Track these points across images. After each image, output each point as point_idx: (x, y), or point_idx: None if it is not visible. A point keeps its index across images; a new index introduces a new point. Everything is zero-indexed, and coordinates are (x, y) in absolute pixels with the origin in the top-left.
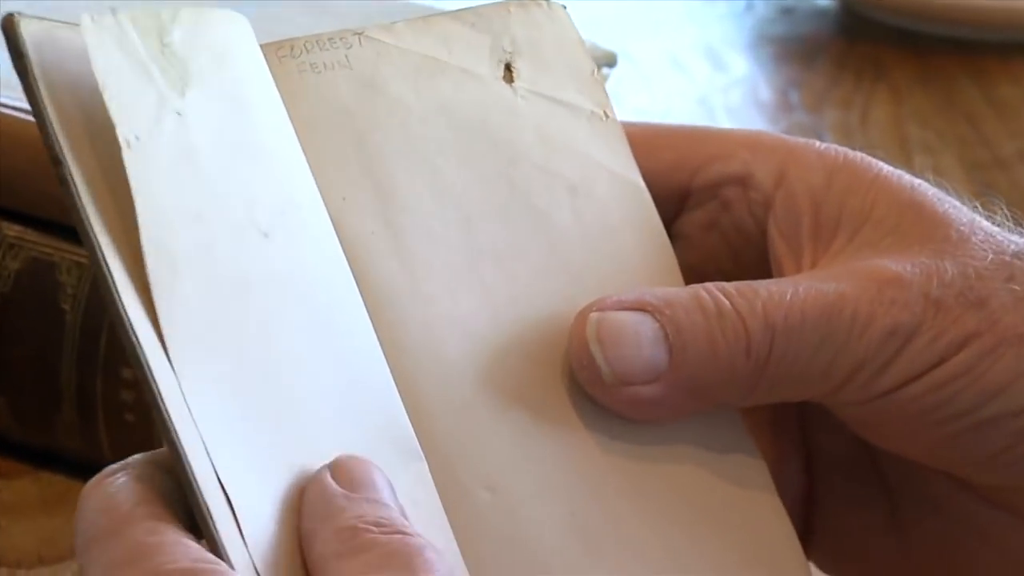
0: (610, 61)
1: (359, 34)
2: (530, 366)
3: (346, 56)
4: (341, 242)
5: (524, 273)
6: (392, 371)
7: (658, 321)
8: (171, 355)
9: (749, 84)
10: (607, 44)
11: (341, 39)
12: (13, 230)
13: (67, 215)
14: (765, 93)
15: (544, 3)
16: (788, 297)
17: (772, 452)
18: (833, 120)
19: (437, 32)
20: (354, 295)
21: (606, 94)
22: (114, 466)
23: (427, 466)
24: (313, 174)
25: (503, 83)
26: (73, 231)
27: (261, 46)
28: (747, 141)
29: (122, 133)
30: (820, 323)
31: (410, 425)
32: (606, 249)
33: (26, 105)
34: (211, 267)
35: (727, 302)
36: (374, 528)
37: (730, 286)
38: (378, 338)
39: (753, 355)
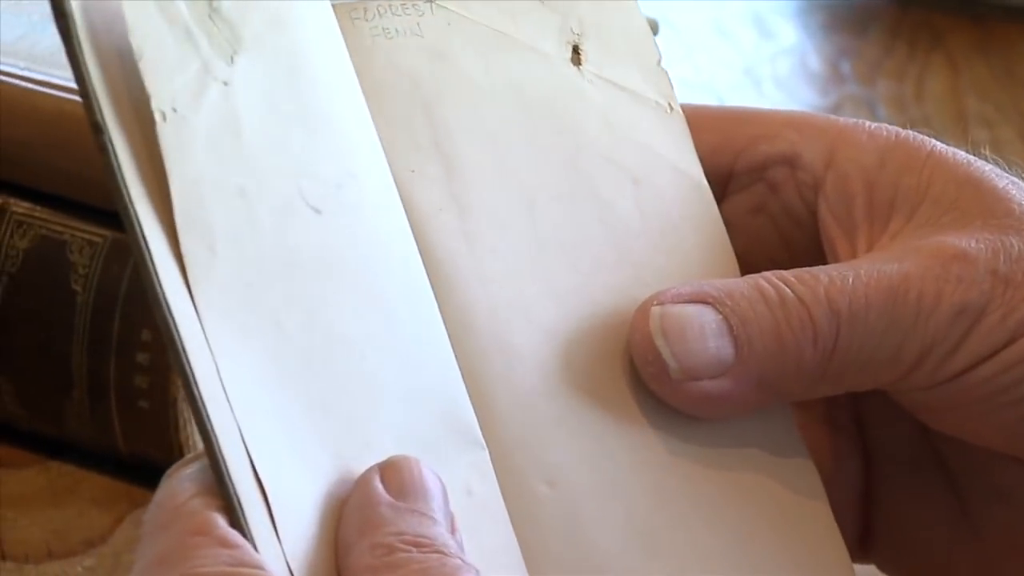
0: (652, 29)
1: (431, 1)
2: (592, 360)
3: (418, 23)
4: (408, 217)
5: (586, 263)
6: (456, 355)
7: (720, 312)
8: (208, 336)
9: (798, 53)
10: (648, 10)
11: (413, 5)
12: (21, 207)
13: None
14: (815, 63)
15: None
16: (851, 282)
17: (829, 450)
18: (886, 92)
19: (507, 7)
20: (419, 273)
21: (671, 86)
22: (195, 453)
23: (488, 455)
24: (385, 144)
25: (571, 65)
26: (84, 207)
27: (333, 7)
28: (793, 121)
29: (157, 104)
30: (886, 307)
31: (473, 412)
32: (666, 244)
33: (33, 74)
34: (254, 245)
35: (789, 291)
36: (412, 547)
37: (789, 274)
38: (443, 320)
39: (820, 344)
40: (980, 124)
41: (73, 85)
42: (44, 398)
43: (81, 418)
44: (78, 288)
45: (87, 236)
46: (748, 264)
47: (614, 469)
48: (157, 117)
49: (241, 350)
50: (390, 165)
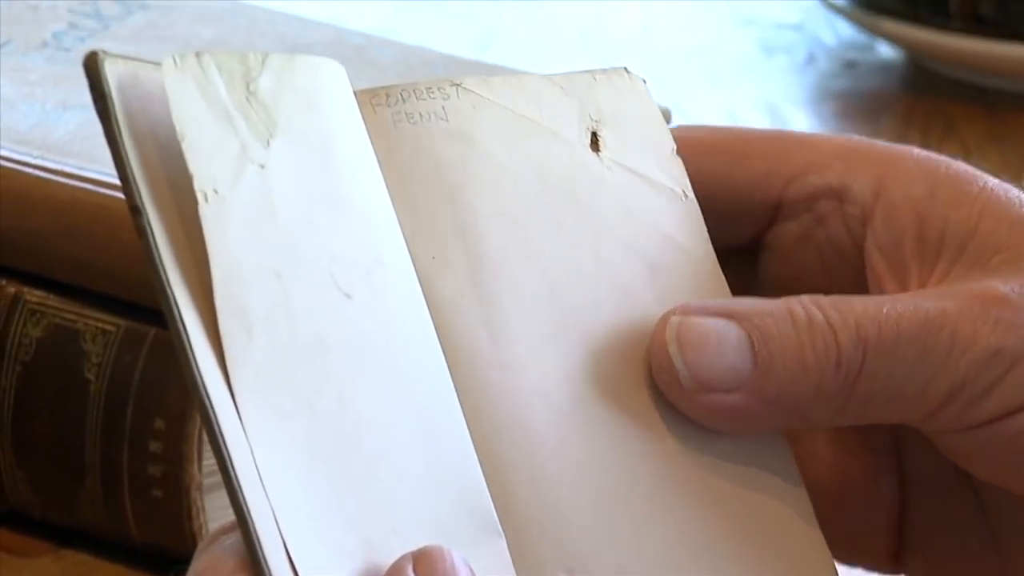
0: (664, 117)
1: (457, 85)
2: (610, 447)
3: (443, 107)
4: (428, 303)
5: (607, 350)
6: (474, 442)
7: (744, 329)
8: (243, 418)
9: None
10: (661, 99)
11: (439, 89)
12: (35, 295)
13: (107, 280)
14: None
15: (626, 75)
16: (884, 311)
17: (866, 469)
18: None
19: (530, 91)
20: (439, 362)
21: (685, 173)
22: (227, 523)
23: (506, 543)
24: (403, 230)
25: (590, 151)
26: (97, 296)
27: (355, 93)
28: (841, 150)
29: (199, 185)
30: (916, 339)
31: (491, 500)
32: None
33: (50, 164)
34: (288, 328)
35: (819, 313)
36: None
37: (824, 299)
38: (461, 407)
39: (843, 369)
40: None
41: (86, 174)
42: (57, 486)
43: (95, 506)
44: (91, 377)
45: (100, 325)
46: (791, 293)
47: (634, 556)
48: (200, 198)
49: (275, 432)
50: (412, 251)
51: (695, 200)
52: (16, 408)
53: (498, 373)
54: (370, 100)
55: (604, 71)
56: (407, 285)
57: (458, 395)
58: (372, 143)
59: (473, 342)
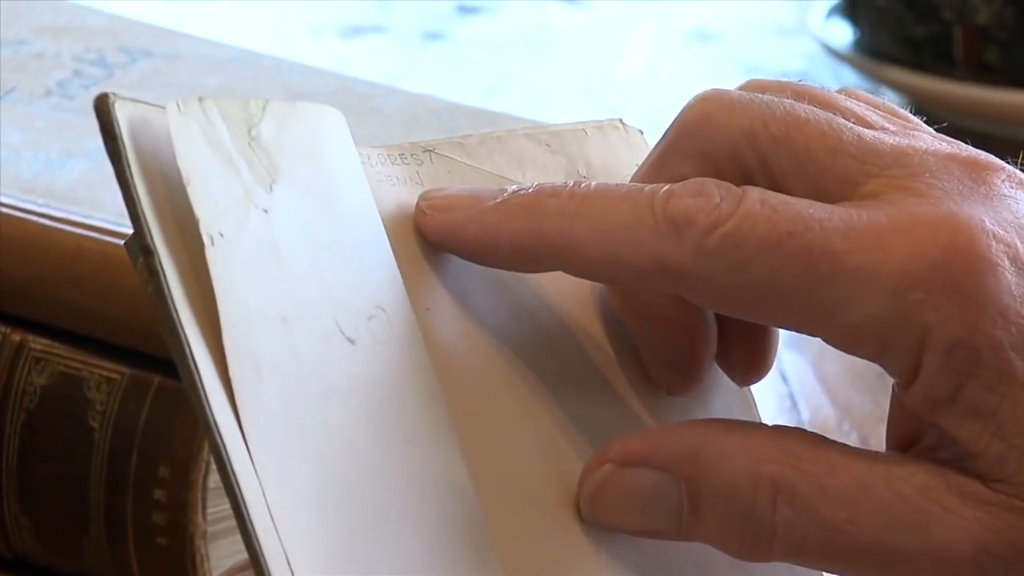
0: None
1: (430, 151)
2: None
3: (417, 172)
4: (428, 351)
5: (602, 393)
6: (477, 489)
7: (681, 491)
8: (254, 460)
9: None
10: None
11: (412, 155)
12: (39, 343)
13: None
14: None
15: (621, 127)
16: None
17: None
18: None
19: (511, 151)
20: (441, 408)
21: None
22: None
23: None
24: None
25: None
26: (102, 344)
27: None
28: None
29: (206, 228)
30: None
31: (493, 552)
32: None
33: (55, 212)
34: (296, 373)
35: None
36: None
37: (786, 477)
38: (461, 456)
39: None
40: None
41: (91, 222)
42: (62, 534)
43: (99, 554)
44: (96, 425)
45: (105, 373)
46: None
47: None
48: (206, 241)
49: (286, 476)
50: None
51: None
52: (21, 456)
53: (496, 425)
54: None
55: (598, 124)
56: (408, 332)
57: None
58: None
59: (468, 390)
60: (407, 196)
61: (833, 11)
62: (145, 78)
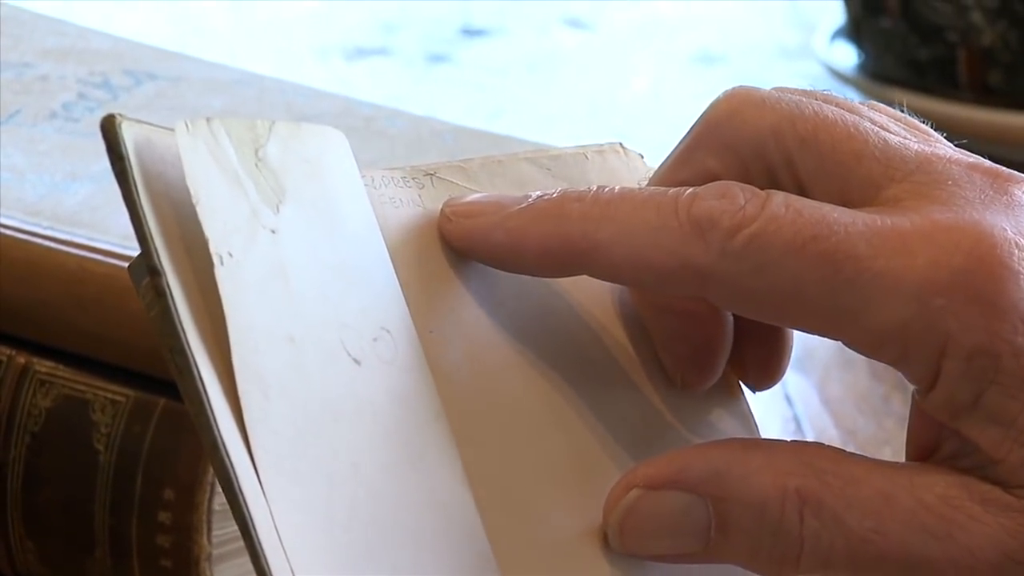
0: None
1: (431, 174)
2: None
3: (419, 195)
4: (430, 374)
5: (610, 423)
6: (482, 517)
7: (708, 512)
8: (262, 480)
9: None
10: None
11: (414, 178)
12: (44, 366)
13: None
14: None
15: (621, 150)
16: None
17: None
18: None
19: (512, 175)
20: (444, 429)
21: None
22: None
23: None
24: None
25: None
26: (106, 366)
27: None
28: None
29: (215, 248)
30: None
31: (498, 570)
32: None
33: (59, 234)
34: (303, 393)
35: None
36: None
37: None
38: (464, 478)
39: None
40: None
41: (95, 244)
42: (67, 557)
43: None
44: (100, 447)
45: (109, 395)
46: None
47: None
48: (215, 261)
49: (294, 496)
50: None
51: None
52: (25, 479)
53: (500, 448)
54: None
55: (598, 148)
56: (412, 354)
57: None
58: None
59: (471, 413)
60: (408, 218)
61: (837, 34)
62: (150, 100)
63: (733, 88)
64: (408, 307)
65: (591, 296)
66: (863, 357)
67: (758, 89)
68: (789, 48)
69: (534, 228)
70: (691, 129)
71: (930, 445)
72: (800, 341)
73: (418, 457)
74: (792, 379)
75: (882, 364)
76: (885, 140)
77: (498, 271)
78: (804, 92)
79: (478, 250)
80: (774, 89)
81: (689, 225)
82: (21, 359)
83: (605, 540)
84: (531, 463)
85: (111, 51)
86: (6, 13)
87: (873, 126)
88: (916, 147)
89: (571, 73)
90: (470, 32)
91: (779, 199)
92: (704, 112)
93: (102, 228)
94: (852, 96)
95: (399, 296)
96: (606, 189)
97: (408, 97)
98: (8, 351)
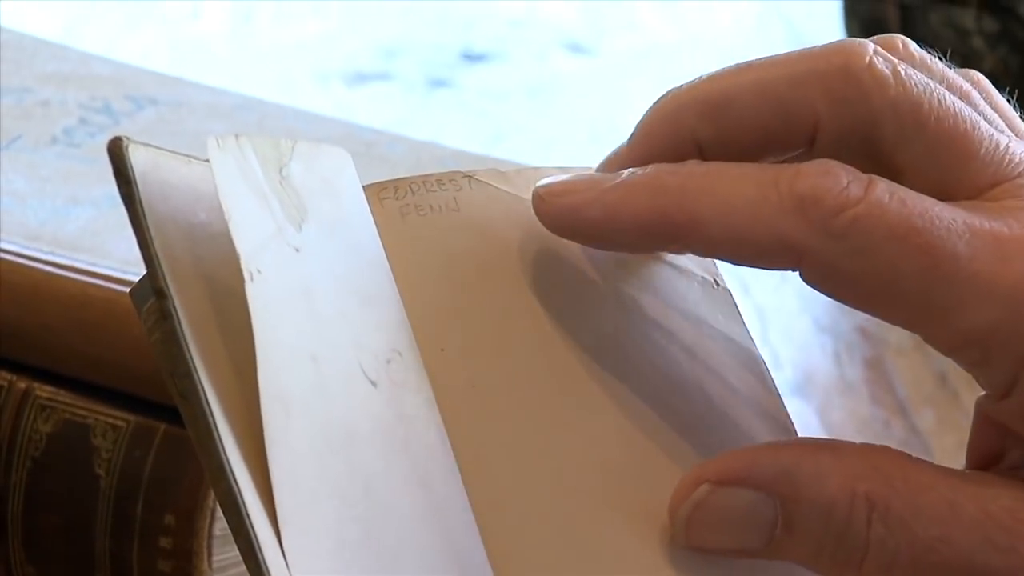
0: None
1: (469, 177)
2: (628, 535)
3: (455, 198)
4: (436, 395)
5: (625, 444)
6: (483, 534)
7: (776, 510)
8: (278, 500)
9: None
10: None
11: (451, 181)
12: (45, 391)
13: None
14: None
15: None
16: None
17: None
18: None
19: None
20: (448, 453)
21: (715, 264)
22: None
23: None
24: (413, 321)
25: None
26: (107, 391)
27: (363, 187)
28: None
29: (245, 264)
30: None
31: None
32: (717, 413)
33: (60, 259)
34: (323, 413)
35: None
36: None
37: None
38: (472, 499)
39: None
40: None
41: (96, 269)
42: None
43: None
44: (101, 472)
45: (110, 420)
46: None
47: None
48: (246, 277)
49: (307, 517)
50: (421, 344)
51: (728, 289)
52: (26, 503)
53: (511, 468)
54: (377, 194)
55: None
56: (419, 376)
57: (470, 488)
58: (380, 236)
59: (481, 434)
60: (432, 227)
61: None
62: (151, 125)
63: (847, 41)
64: (418, 325)
65: (605, 304)
66: (863, 382)
67: (893, 60)
68: None
69: (630, 203)
70: (798, 58)
71: (994, 454)
72: (800, 367)
73: (427, 480)
74: (793, 404)
75: (883, 389)
76: (997, 144)
77: (522, 279)
78: (929, 67)
79: (574, 228)
80: (897, 60)
81: (790, 200)
82: (22, 384)
83: (634, 556)
84: (546, 480)
85: (112, 76)
86: (7, 39)
87: (988, 127)
88: (1022, 152)
89: (571, 98)
90: (471, 57)
91: (883, 185)
92: (807, 53)
93: (103, 253)
94: None
95: (405, 318)
96: (701, 163)
97: (409, 122)
98: (9, 376)
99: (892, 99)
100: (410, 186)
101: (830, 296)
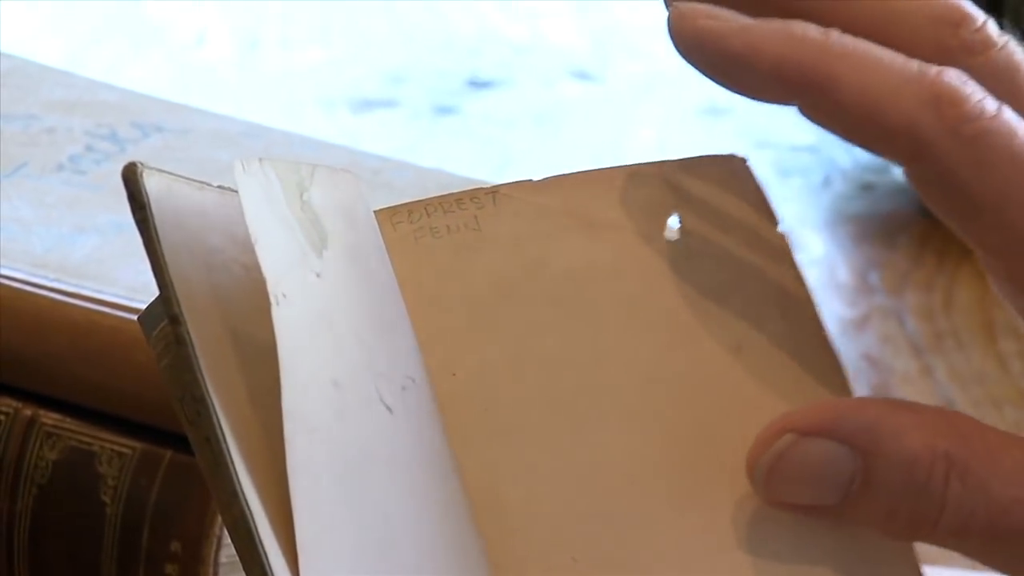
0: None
1: (494, 192)
2: (653, 559)
3: (475, 217)
4: (448, 421)
5: (646, 461)
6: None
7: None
8: (298, 528)
9: (826, 264)
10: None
11: (472, 199)
12: (50, 418)
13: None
14: (843, 274)
15: (723, 159)
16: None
17: None
18: (915, 303)
19: (581, 189)
20: (457, 487)
21: (791, 251)
22: None
23: None
24: (425, 347)
25: (669, 240)
26: (113, 418)
27: (375, 212)
28: None
29: (272, 289)
30: None
31: None
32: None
33: (66, 287)
34: (343, 439)
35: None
36: None
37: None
38: (484, 529)
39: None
40: (1009, 335)
41: (102, 296)
42: None
43: None
44: (107, 499)
45: (116, 448)
46: None
47: None
48: (273, 301)
49: (325, 544)
50: (434, 367)
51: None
52: (32, 531)
53: (525, 499)
54: (390, 218)
55: (694, 158)
56: (429, 403)
57: (481, 518)
58: (392, 261)
59: (492, 459)
60: (448, 249)
61: None
62: (157, 152)
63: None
64: (431, 350)
65: (635, 323)
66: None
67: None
68: None
69: (773, 45)
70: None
71: None
72: None
73: (441, 510)
74: None
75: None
76: None
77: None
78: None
79: (710, 54)
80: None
81: (931, 93)
82: (28, 411)
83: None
84: (565, 504)
85: (118, 103)
86: (12, 65)
87: None
88: None
89: (577, 125)
90: (477, 84)
91: (1011, 112)
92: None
93: (109, 280)
94: (858, 148)
95: (416, 345)
96: (847, 35)
97: (415, 149)
98: (15, 403)
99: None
100: (425, 208)
101: (932, 203)
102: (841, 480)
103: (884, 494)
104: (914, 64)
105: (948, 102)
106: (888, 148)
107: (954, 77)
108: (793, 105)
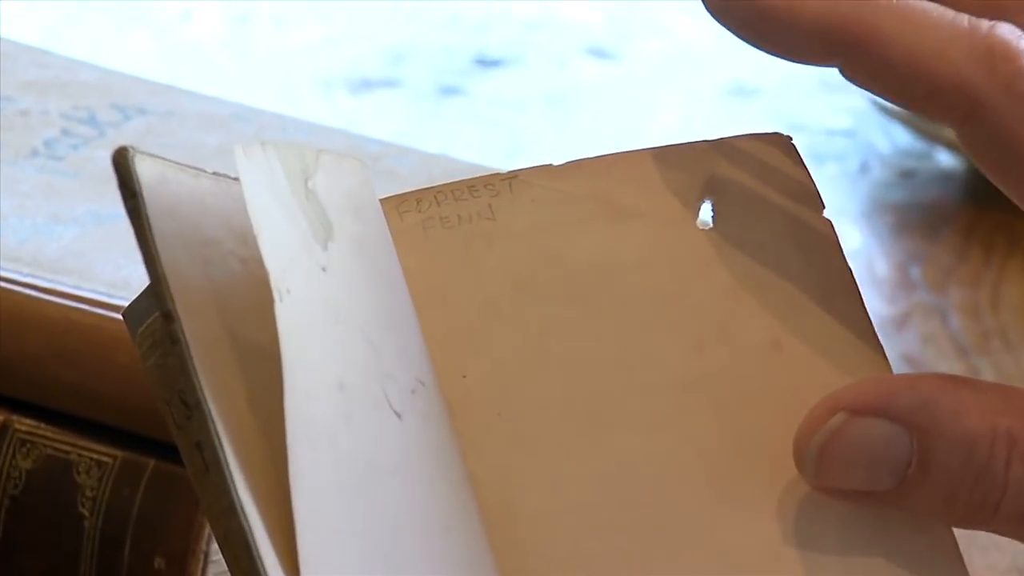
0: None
1: (511, 178)
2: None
3: (489, 206)
4: (458, 427)
5: (668, 468)
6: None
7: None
8: (300, 540)
9: (864, 258)
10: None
11: (487, 186)
12: (25, 424)
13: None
14: (882, 268)
15: (764, 138)
16: None
17: None
18: (960, 299)
19: (612, 172)
20: (467, 493)
21: (833, 229)
22: None
23: None
24: (434, 347)
25: (701, 227)
26: (92, 424)
27: (380, 201)
28: None
29: (275, 284)
30: None
31: None
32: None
33: (42, 282)
34: (349, 444)
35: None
36: None
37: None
38: (494, 539)
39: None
40: None
41: (80, 293)
42: None
43: None
44: (85, 512)
45: (95, 456)
46: None
47: None
48: (276, 297)
49: (330, 555)
50: (443, 371)
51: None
52: (4, 546)
53: (536, 504)
54: (397, 207)
55: (730, 138)
56: (439, 408)
57: (491, 525)
58: (399, 254)
59: (505, 465)
60: (459, 240)
61: None
62: (139, 137)
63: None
64: (440, 350)
65: (660, 319)
66: None
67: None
68: (830, 81)
69: (813, 1)
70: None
71: None
72: None
73: (449, 522)
74: None
75: None
76: None
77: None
78: None
79: (745, 12)
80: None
81: (983, 48)
82: (0, 416)
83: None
84: (578, 510)
85: (98, 84)
86: None
87: None
88: None
89: (593, 107)
90: (485, 63)
91: None
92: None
93: (88, 276)
94: (900, 133)
95: (424, 346)
96: None
97: (418, 133)
98: None
99: None
100: (435, 196)
101: (983, 162)
102: (898, 463)
103: (943, 478)
104: (964, 19)
105: (1001, 57)
106: (938, 108)
107: (1007, 31)
108: (835, 66)
